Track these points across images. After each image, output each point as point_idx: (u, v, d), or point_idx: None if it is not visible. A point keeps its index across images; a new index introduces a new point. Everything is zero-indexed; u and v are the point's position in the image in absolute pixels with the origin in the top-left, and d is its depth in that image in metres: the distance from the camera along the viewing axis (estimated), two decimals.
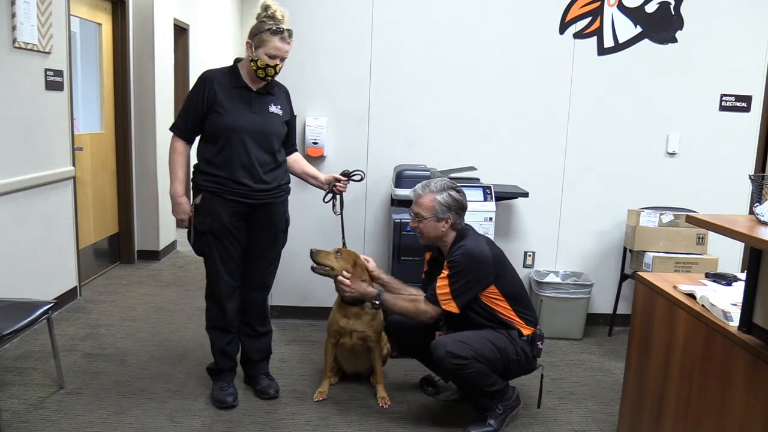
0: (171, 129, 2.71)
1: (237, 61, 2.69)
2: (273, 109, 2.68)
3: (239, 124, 2.59)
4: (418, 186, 2.69)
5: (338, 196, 2.92)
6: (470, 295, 2.57)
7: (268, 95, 2.68)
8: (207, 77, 2.62)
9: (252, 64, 2.57)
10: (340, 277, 2.73)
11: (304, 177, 2.94)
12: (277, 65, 2.58)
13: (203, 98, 2.59)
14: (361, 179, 2.93)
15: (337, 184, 2.89)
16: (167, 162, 2.76)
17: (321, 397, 2.89)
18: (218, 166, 2.62)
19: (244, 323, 2.88)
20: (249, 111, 2.62)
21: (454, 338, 2.51)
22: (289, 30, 2.57)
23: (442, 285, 2.58)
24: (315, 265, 2.78)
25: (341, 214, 2.96)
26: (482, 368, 2.49)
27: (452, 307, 2.56)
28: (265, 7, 2.56)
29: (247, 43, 2.58)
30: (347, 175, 2.89)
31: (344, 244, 2.98)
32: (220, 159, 2.61)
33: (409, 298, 2.71)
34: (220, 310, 2.77)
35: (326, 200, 2.92)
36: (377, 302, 2.67)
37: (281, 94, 2.75)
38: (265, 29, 2.53)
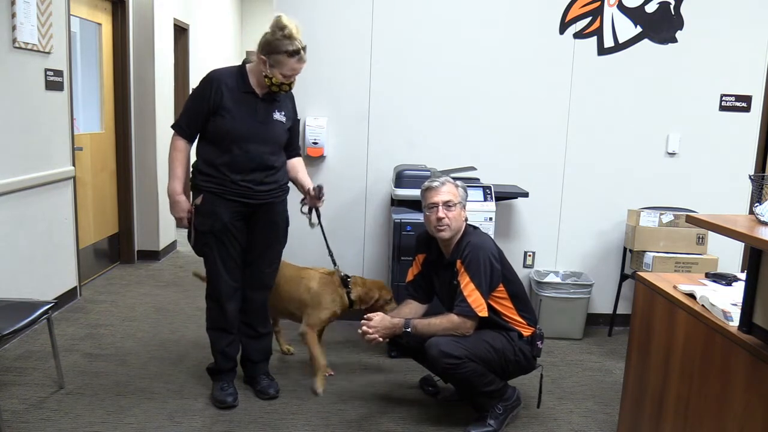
0: (173, 127, 2.70)
1: (245, 62, 2.68)
2: (277, 116, 2.67)
3: (243, 131, 2.58)
4: (430, 181, 2.64)
5: (313, 210, 2.87)
6: (490, 292, 2.54)
7: (274, 101, 2.67)
8: (214, 78, 2.60)
9: (266, 80, 2.55)
10: (364, 327, 2.51)
11: (294, 183, 2.89)
12: (291, 82, 2.59)
13: (209, 99, 2.57)
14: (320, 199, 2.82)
15: (308, 196, 2.84)
16: (167, 160, 2.75)
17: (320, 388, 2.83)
18: (219, 168, 2.62)
19: (245, 324, 2.88)
20: (254, 119, 2.61)
21: (450, 338, 2.49)
22: (304, 47, 2.54)
23: (470, 294, 2.48)
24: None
25: (320, 225, 2.88)
26: (476, 368, 2.49)
27: (486, 311, 2.51)
28: (282, 27, 2.50)
29: (261, 59, 2.53)
30: (317, 191, 2.80)
31: (331, 254, 2.95)
32: (221, 162, 2.61)
33: (438, 317, 2.54)
34: (220, 310, 2.76)
35: (303, 211, 2.89)
36: (408, 329, 2.51)
37: (286, 99, 2.74)
38: (282, 51, 2.49)
